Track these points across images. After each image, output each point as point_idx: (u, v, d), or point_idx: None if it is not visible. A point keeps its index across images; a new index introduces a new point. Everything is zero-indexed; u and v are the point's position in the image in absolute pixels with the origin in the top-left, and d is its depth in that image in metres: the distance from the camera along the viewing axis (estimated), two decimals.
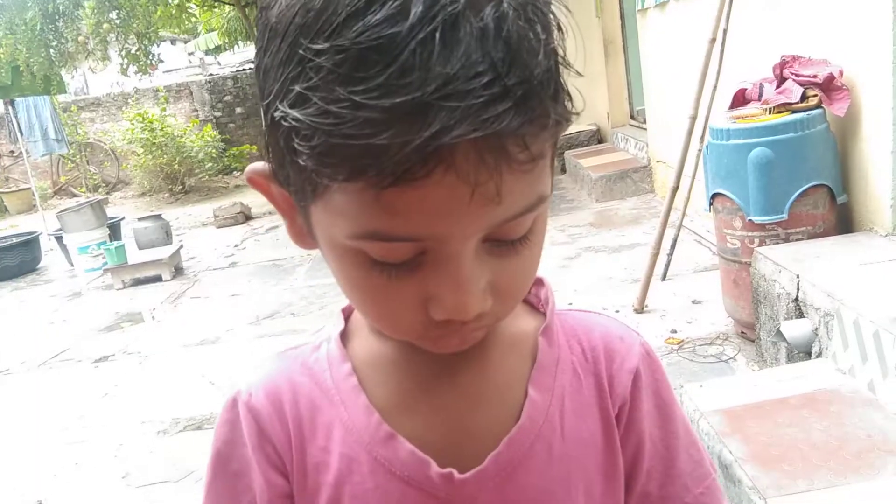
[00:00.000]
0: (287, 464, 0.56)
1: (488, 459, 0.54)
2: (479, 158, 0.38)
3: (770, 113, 2.64)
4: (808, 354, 2.24)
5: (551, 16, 0.42)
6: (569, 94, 0.43)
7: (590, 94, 7.34)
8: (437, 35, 0.36)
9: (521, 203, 0.43)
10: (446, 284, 0.44)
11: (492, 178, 0.39)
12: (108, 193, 11.37)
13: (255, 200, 8.64)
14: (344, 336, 0.59)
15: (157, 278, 5.66)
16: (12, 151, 11.43)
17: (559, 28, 0.42)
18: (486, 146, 0.38)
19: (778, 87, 2.74)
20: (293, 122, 0.39)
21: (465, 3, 0.37)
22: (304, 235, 0.51)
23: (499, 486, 0.54)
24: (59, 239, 6.61)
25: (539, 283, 0.61)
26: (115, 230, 6.67)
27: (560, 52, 0.42)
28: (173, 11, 7.44)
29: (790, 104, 2.62)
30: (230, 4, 7.38)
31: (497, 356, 0.57)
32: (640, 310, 3.36)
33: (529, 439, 0.55)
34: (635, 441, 0.59)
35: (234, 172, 11.30)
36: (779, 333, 2.30)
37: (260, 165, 0.50)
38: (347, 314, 0.61)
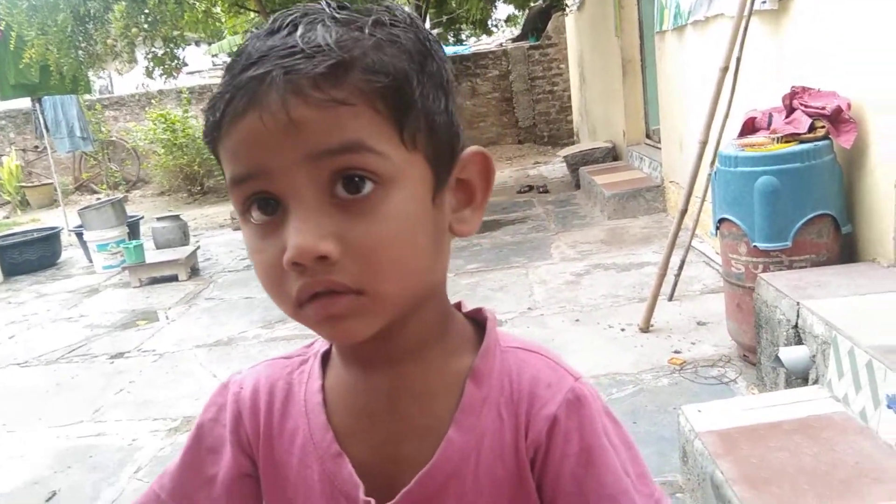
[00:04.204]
0: (255, 451, 0.68)
1: (400, 495, 0.60)
2: (278, 97, 0.51)
3: (778, 142, 2.70)
4: (806, 380, 2.29)
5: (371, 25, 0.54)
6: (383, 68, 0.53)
7: (607, 111, 7.40)
8: (278, 36, 0.53)
9: (328, 138, 0.51)
10: (291, 228, 0.52)
11: (283, 107, 0.50)
12: (127, 191, 11.54)
13: None
14: (327, 356, 0.68)
15: (174, 278, 5.77)
16: (36, 147, 11.62)
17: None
18: (285, 88, 0.51)
19: (787, 117, 2.80)
20: None
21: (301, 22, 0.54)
22: None
23: None
24: (79, 235, 6.73)
25: (482, 315, 0.66)
26: (133, 228, 6.80)
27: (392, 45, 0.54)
28: (199, 16, 7.57)
29: (798, 134, 2.68)
30: (255, 12, 7.50)
31: (436, 391, 0.62)
32: (646, 329, 3.41)
33: (442, 477, 0.60)
34: (551, 485, 0.60)
35: None
36: (777, 359, 2.35)
37: None
38: None
